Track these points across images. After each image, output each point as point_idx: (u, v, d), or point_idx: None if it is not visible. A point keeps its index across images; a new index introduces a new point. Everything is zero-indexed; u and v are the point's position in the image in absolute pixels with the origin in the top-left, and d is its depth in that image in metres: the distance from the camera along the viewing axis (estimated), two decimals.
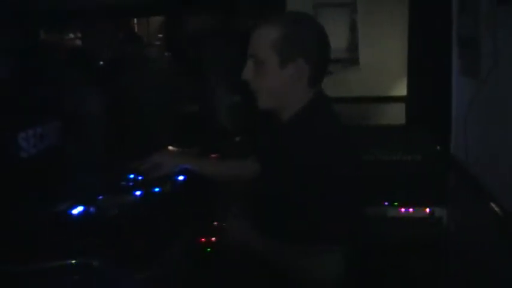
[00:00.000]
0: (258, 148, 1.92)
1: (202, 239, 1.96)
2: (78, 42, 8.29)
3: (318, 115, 1.59)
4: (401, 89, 4.05)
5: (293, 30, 1.53)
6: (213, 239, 2.02)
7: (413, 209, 2.92)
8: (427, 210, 2.92)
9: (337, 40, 1.62)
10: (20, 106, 2.12)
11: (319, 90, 1.63)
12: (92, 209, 1.69)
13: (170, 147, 2.65)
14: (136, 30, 8.23)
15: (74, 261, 1.44)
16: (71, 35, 8.58)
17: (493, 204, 2.18)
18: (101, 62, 5.05)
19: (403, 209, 2.90)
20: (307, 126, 1.57)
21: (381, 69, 4.33)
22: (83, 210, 1.69)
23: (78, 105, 2.84)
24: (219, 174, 2.05)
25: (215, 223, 2.11)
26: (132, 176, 2.05)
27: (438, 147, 3.03)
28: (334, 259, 1.49)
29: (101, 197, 1.81)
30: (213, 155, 2.46)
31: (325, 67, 1.60)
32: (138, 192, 1.84)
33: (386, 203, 2.93)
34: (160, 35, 8.24)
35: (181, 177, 2.04)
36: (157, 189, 1.89)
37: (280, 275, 1.56)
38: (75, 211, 1.68)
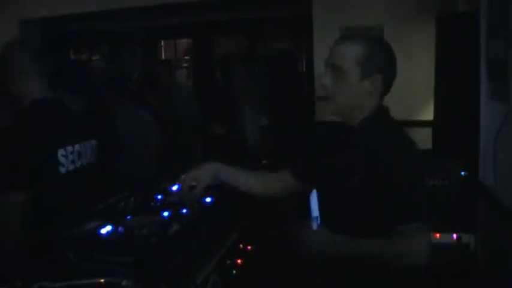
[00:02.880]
0: (303, 163, 2.01)
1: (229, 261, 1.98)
2: (104, 63, 8.48)
3: (388, 120, 1.79)
4: (427, 114, 4.03)
5: (374, 48, 1.71)
6: (239, 261, 2.03)
7: (440, 235, 2.88)
8: (454, 236, 2.88)
9: None
10: (60, 124, 2.18)
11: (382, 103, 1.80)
12: (120, 229, 1.71)
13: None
14: (163, 52, 8.38)
15: (102, 280, 1.46)
16: (98, 56, 8.77)
17: None
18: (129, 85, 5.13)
19: None
20: (383, 127, 1.73)
21: (408, 93, 4.31)
22: (112, 230, 1.71)
23: (112, 125, 2.90)
24: (254, 189, 2.09)
25: (240, 245, 2.13)
26: (160, 196, 2.07)
27: (465, 173, 2.99)
28: (426, 234, 1.58)
29: (129, 217, 1.84)
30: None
31: (392, 84, 1.78)
32: (166, 213, 1.86)
33: None
34: (187, 57, 8.36)
35: (208, 199, 2.06)
36: (185, 211, 1.90)
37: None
38: (103, 230, 1.70)
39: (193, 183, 2.03)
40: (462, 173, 3.00)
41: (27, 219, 1.95)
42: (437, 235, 2.86)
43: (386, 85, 1.74)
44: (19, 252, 1.82)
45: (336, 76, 1.72)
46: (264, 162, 2.82)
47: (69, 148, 2.15)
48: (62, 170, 2.11)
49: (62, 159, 2.11)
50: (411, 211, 1.57)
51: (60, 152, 2.11)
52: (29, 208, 1.97)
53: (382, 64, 1.70)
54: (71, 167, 2.15)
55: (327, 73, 1.74)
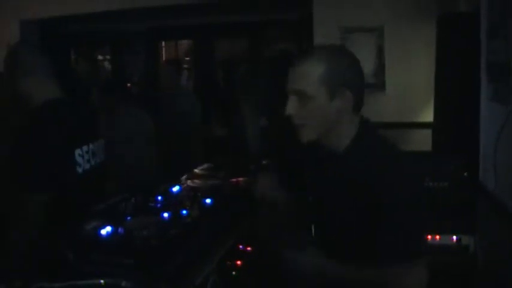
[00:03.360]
0: (303, 181, 1.86)
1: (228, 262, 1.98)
2: (108, 64, 8.48)
3: (374, 140, 1.67)
4: (427, 115, 4.03)
5: (336, 63, 1.58)
6: (239, 262, 2.03)
7: (440, 237, 2.88)
8: (454, 238, 2.88)
9: (363, 65, 1.67)
10: (74, 124, 2.22)
11: (361, 116, 1.68)
12: (120, 230, 1.72)
13: (197, 171, 2.68)
14: (164, 53, 8.38)
15: (102, 281, 1.46)
16: (100, 57, 8.77)
17: None
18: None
19: (429, 237, 2.87)
20: (371, 151, 1.61)
21: (408, 94, 4.32)
22: (111, 231, 1.71)
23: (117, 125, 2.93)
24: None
25: (240, 246, 2.13)
26: (160, 198, 2.08)
27: (465, 174, 2.99)
28: (423, 271, 1.53)
29: (129, 218, 1.84)
30: (239, 179, 2.47)
31: (363, 93, 1.65)
32: (166, 214, 1.86)
33: None
34: (187, 58, 8.37)
35: (208, 200, 2.06)
36: (184, 212, 1.90)
37: None
38: (103, 231, 1.71)
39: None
40: (462, 174, 3.00)
41: (46, 220, 1.98)
42: (437, 237, 2.86)
43: (358, 98, 1.61)
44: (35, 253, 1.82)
45: (302, 102, 1.59)
46: (264, 163, 2.83)
47: (85, 147, 2.20)
48: (79, 169, 2.15)
49: (79, 159, 2.15)
50: (405, 250, 1.50)
51: (77, 151, 2.15)
52: (49, 209, 1.99)
53: (347, 77, 1.58)
54: (87, 166, 2.20)
55: (291, 101, 1.61)
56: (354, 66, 1.62)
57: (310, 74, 1.57)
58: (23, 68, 2.18)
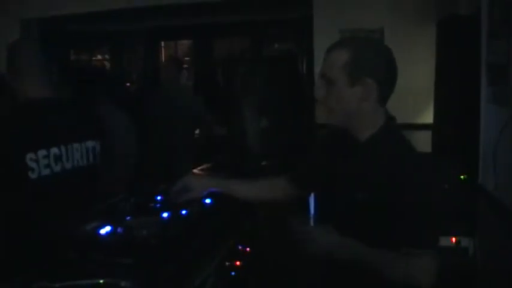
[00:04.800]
0: (305, 170, 1.98)
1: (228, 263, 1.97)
2: (106, 63, 8.49)
3: (398, 136, 1.73)
4: (427, 116, 4.03)
5: (362, 52, 1.65)
6: (238, 263, 2.02)
7: (439, 238, 2.88)
8: (453, 239, 2.88)
9: None
10: (64, 123, 2.16)
11: (387, 111, 1.74)
12: (119, 229, 1.71)
13: (196, 171, 2.67)
14: (163, 53, 8.38)
15: (101, 281, 1.45)
16: (99, 56, 8.78)
17: None
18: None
19: None
20: (395, 144, 1.69)
21: (407, 96, 4.31)
22: (111, 230, 1.71)
23: (110, 125, 2.88)
24: (250, 196, 2.10)
25: (239, 247, 2.13)
26: (160, 197, 2.07)
27: (465, 176, 2.99)
28: (433, 261, 1.57)
29: (128, 218, 1.84)
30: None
31: (393, 87, 1.71)
32: (165, 214, 1.86)
33: None
34: (187, 58, 8.37)
35: (208, 200, 2.06)
36: (184, 212, 1.90)
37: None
38: (103, 231, 1.70)
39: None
40: (462, 176, 3.01)
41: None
42: None
43: (384, 88, 1.67)
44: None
45: (327, 86, 1.67)
46: (263, 163, 2.83)
47: (43, 152, 2.03)
48: (32, 175, 1.99)
49: (31, 164, 1.99)
50: (423, 237, 1.56)
51: (29, 156, 1.98)
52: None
53: (372, 67, 1.64)
54: (46, 172, 2.03)
55: (318, 84, 1.70)
56: (382, 58, 1.67)
57: (335, 60, 1.65)
58: (16, 64, 2.15)
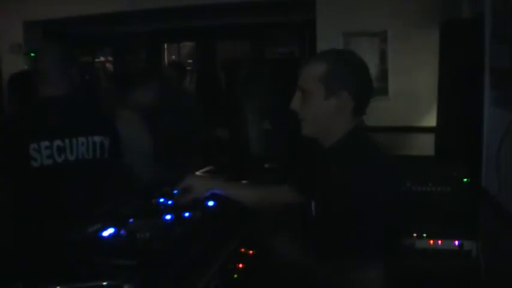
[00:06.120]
0: (299, 175, 2.03)
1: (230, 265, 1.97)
2: (109, 65, 8.50)
3: (357, 141, 1.72)
4: (431, 120, 4.02)
5: (338, 65, 1.68)
6: (240, 265, 2.02)
7: (442, 242, 2.88)
8: (456, 242, 2.87)
9: None
10: (74, 120, 2.33)
11: (361, 121, 1.76)
12: (122, 232, 1.71)
13: (198, 173, 2.67)
14: (166, 55, 8.39)
15: (104, 283, 1.45)
16: (102, 58, 8.80)
17: None
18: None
19: (431, 241, 2.86)
20: (348, 149, 1.70)
21: (411, 99, 4.32)
22: (114, 233, 1.71)
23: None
24: (251, 200, 2.11)
25: (242, 250, 2.12)
26: (162, 200, 2.07)
27: (468, 179, 2.99)
28: (370, 275, 1.57)
29: (131, 220, 1.83)
30: (243, 182, 2.46)
31: (368, 99, 1.74)
32: (168, 217, 1.85)
33: (414, 235, 2.89)
34: (190, 61, 8.38)
35: (211, 203, 2.05)
36: (187, 214, 1.90)
37: None
38: (105, 233, 1.70)
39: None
40: (465, 179, 3.00)
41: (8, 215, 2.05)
42: (440, 241, 2.86)
43: (358, 101, 1.69)
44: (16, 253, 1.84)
45: (303, 98, 1.71)
46: (266, 166, 2.82)
47: (45, 143, 2.22)
48: (35, 164, 2.19)
49: (33, 154, 2.19)
50: (347, 245, 1.56)
51: (32, 146, 2.19)
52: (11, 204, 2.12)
53: (347, 80, 1.67)
54: (49, 162, 2.22)
55: (295, 96, 1.74)
56: (356, 71, 1.70)
57: (311, 72, 1.70)
58: (40, 65, 2.36)
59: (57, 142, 2.24)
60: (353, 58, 1.74)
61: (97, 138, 2.37)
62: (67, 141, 2.27)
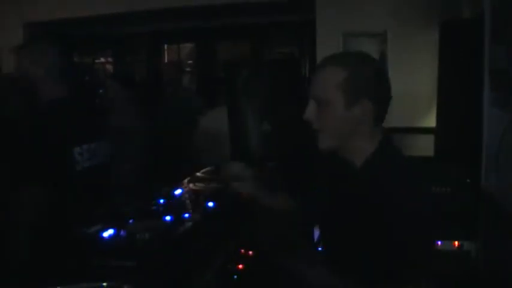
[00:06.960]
0: (318, 192, 1.81)
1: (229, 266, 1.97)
2: (109, 66, 8.50)
3: (392, 158, 1.59)
4: (430, 120, 4.02)
5: (358, 71, 1.52)
6: (240, 266, 2.02)
7: (442, 242, 2.88)
8: (456, 243, 2.88)
9: None
10: (76, 123, 2.30)
11: (383, 129, 1.62)
12: (122, 233, 1.72)
13: (199, 174, 2.67)
14: (166, 56, 8.39)
15: (104, 284, 1.46)
16: (102, 59, 8.79)
17: None
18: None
19: None
20: (388, 170, 1.54)
21: (410, 100, 4.31)
22: (114, 234, 1.71)
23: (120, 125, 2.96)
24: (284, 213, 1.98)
25: (241, 250, 2.12)
26: (162, 201, 2.08)
27: (467, 180, 2.99)
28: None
29: (131, 221, 1.84)
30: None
31: (387, 106, 1.59)
32: (168, 217, 1.86)
33: None
34: (190, 62, 8.37)
35: (210, 204, 2.06)
36: (187, 215, 1.90)
37: None
38: (106, 234, 1.70)
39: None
40: (465, 179, 3.00)
41: (43, 215, 2.03)
42: (439, 242, 2.86)
43: (380, 108, 1.55)
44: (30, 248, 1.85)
45: (320, 108, 1.55)
46: (270, 164, 2.82)
47: (85, 146, 2.28)
48: (78, 167, 2.23)
49: (78, 157, 2.23)
50: (408, 272, 1.43)
51: (77, 150, 2.23)
52: (46, 204, 2.07)
53: (369, 87, 1.51)
54: (87, 164, 2.28)
55: (310, 106, 1.57)
56: (377, 76, 1.55)
57: (329, 80, 1.53)
58: (34, 65, 2.30)
59: (92, 146, 2.33)
60: (372, 62, 1.59)
61: (104, 142, 2.45)
62: (95, 145, 2.36)
